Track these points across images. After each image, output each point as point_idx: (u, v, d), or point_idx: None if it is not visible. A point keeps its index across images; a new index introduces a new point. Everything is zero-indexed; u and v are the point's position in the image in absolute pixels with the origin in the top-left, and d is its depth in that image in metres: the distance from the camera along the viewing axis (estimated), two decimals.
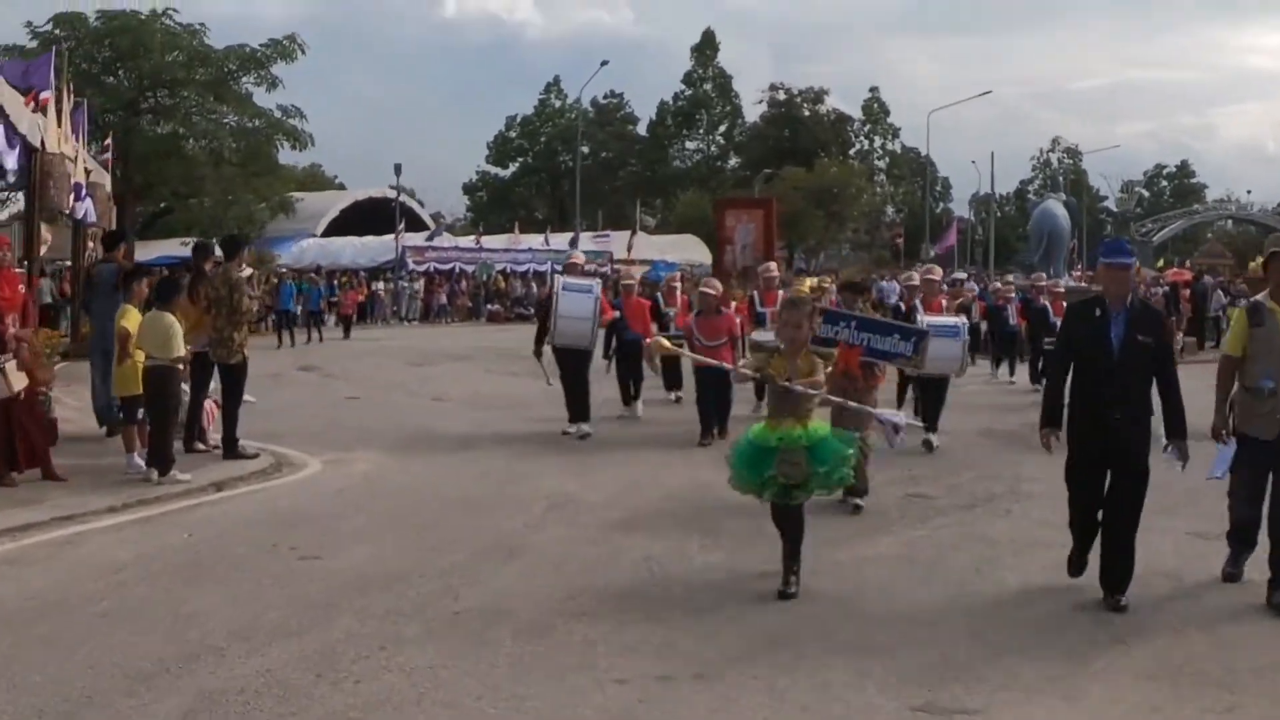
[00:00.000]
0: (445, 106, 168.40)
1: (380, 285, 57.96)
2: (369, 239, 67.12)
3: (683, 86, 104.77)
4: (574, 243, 61.68)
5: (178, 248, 53.32)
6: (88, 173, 29.00)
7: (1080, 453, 8.96)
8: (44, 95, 22.58)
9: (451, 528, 11.32)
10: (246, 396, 19.68)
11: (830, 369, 10.58)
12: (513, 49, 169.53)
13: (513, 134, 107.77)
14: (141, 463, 13.49)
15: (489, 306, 59.90)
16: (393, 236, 62.14)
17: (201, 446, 15.11)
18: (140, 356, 13.51)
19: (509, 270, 64.33)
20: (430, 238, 68.28)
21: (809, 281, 23.59)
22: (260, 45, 49.01)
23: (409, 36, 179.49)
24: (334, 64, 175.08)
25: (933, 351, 14.16)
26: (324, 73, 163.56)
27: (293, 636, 7.87)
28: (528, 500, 12.67)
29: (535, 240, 70.78)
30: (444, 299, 59.01)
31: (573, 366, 17.36)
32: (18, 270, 16.20)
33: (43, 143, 22.19)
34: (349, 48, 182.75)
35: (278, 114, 50.51)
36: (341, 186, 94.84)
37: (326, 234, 71.21)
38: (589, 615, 8.43)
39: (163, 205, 53.59)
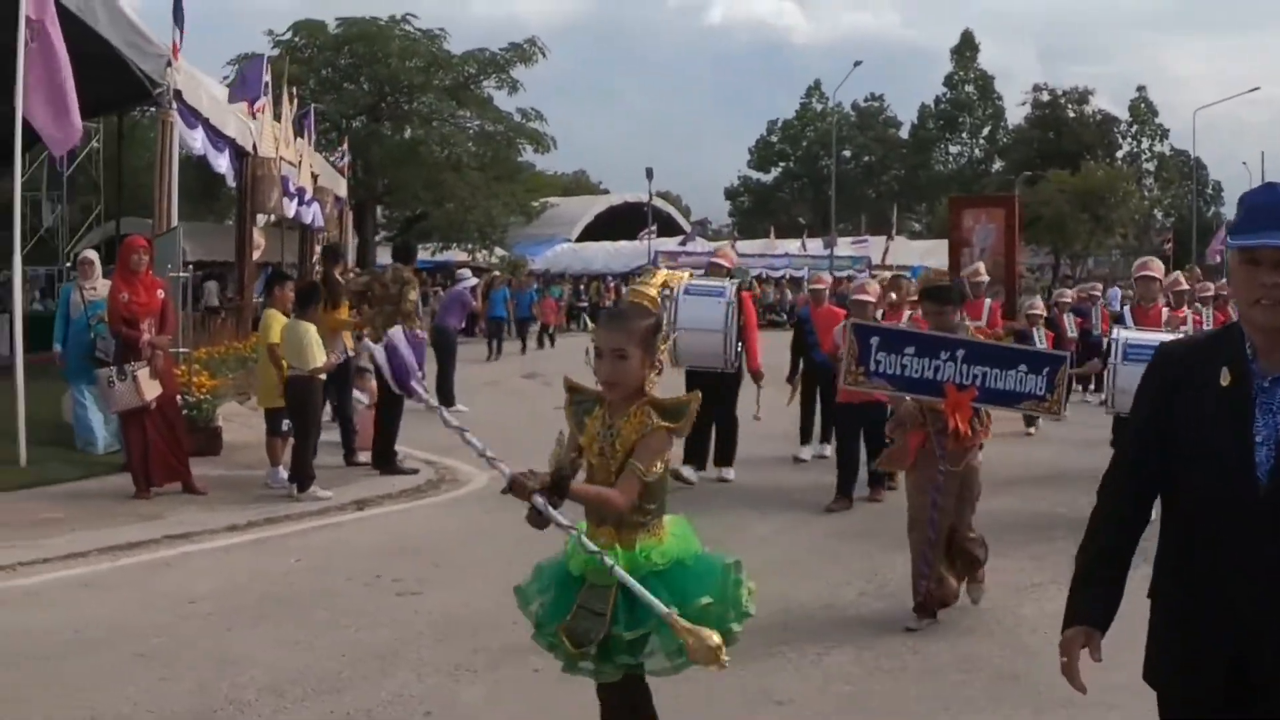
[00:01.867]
0: (711, 110, 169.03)
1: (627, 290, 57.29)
2: (622, 244, 66.85)
3: (944, 89, 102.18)
4: (829, 245, 60.46)
5: (420, 253, 53.97)
6: (315, 177, 29.13)
7: (1179, 688, 3.69)
8: (258, 103, 22.54)
9: None
10: (459, 405, 19.23)
11: (912, 427, 8.29)
12: (779, 52, 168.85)
13: (774, 138, 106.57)
14: (284, 476, 12.84)
15: None
16: (645, 241, 61.70)
17: (363, 459, 14.43)
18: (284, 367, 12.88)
19: (764, 276, 63.11)
20: (683, 242, 67.54)
21: (875, 281, 15.63)
22: (500, 49, 49.04)
23: (676, 42, 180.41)
24: (602, 69, 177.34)
25: (1121, 382, 10.66)
26: (593, 78, 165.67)
27: (333, 693, 6.90)
28: (749, 520, 11.72)
29: (792, 245, 69.45)
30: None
31: (711, 394, 12.99)
32: (177, 275, 15.85)
33: (254, 147, 22.18)
34: (618, 53, 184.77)
35: (518, 118, 50.44)
36: (605, 191, 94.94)
37: (582, 239, 71.17)
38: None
39: (419, 211, 53.90)
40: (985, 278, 18.51)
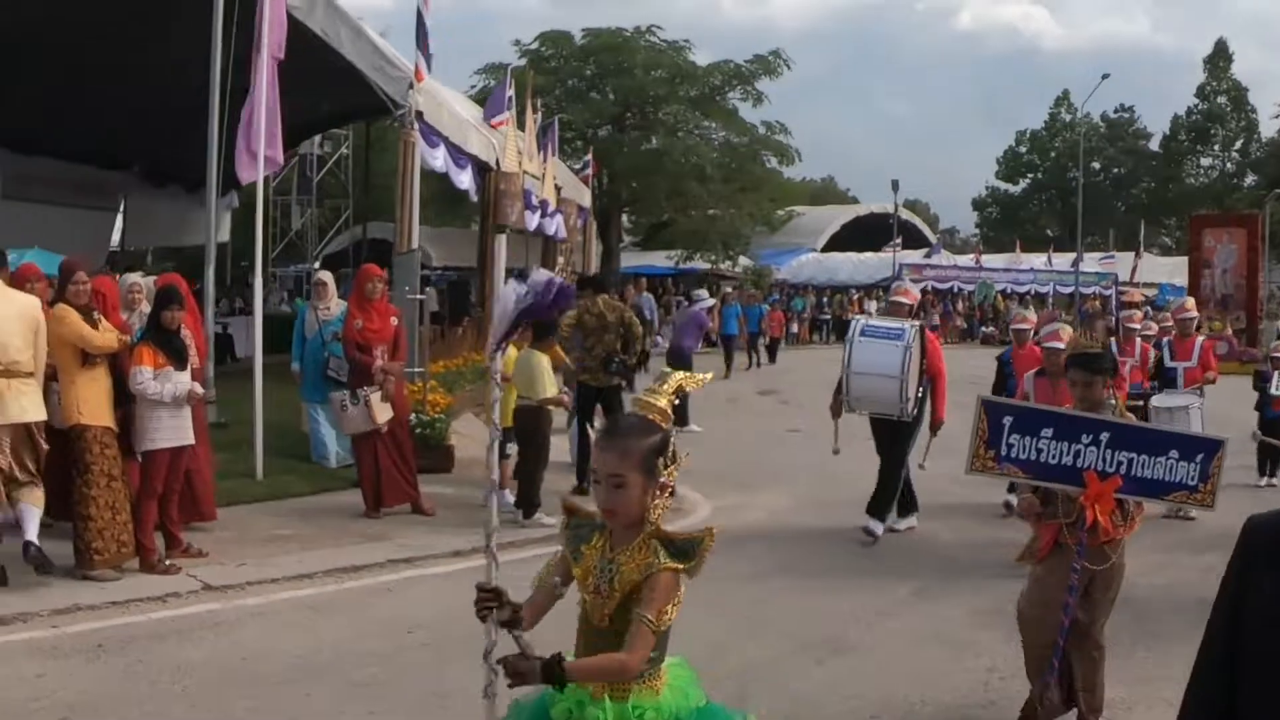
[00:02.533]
0: (960, 117, 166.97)
1: (872, 305, 56.72)
2: (867, 255, 66.14)
3: (1196, 100, 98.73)
4: (1076, 264, 58.92)
5: (663, 260, 54.18)
6: (558, 189, 29.46)
7: None
8: (498, 119, 22.97)
9: (778, 609, 9.96)
10: (692, 426, 19.29)
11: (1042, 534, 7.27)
12: (1029, 59, 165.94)
13: (1022, 148, 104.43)
14: (511, 500, 12.97)
15: (983, 329, 57.46)
16: (890, 253, 61.07)
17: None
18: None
19: (1008, 291, 61.82)
20: (928, 255, 66.63)
21: (1069, 327, 13.87)
22: (745, 61, 49.00)
23: (925, 46, 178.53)
24: (853, 73, 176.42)
25: None
26: (843, 82, 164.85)
27: None
28: (890, 581, 11.04)
29: (1038, 260, 67.82)
30: (936, 319, 57.15)
31: (885, 440, 12.77)
32: (414, 297, 16.18)
33: (497, 162, 22.54)
34: (868, 56, 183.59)
35: (762, 130, 50.38)
36: (854, 200, 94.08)
37: (826, 249, 70.66)
38: None
39: (665, 218, 54.22)
40: (1194, 313, 16.26)
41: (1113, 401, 7.45)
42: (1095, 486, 6.79)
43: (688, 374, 4.48)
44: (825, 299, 55.30)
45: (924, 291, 57.46)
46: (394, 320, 13.20)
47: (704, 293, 26.58)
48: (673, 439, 4.18)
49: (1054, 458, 6.86)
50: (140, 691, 7.56)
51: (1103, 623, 7.32)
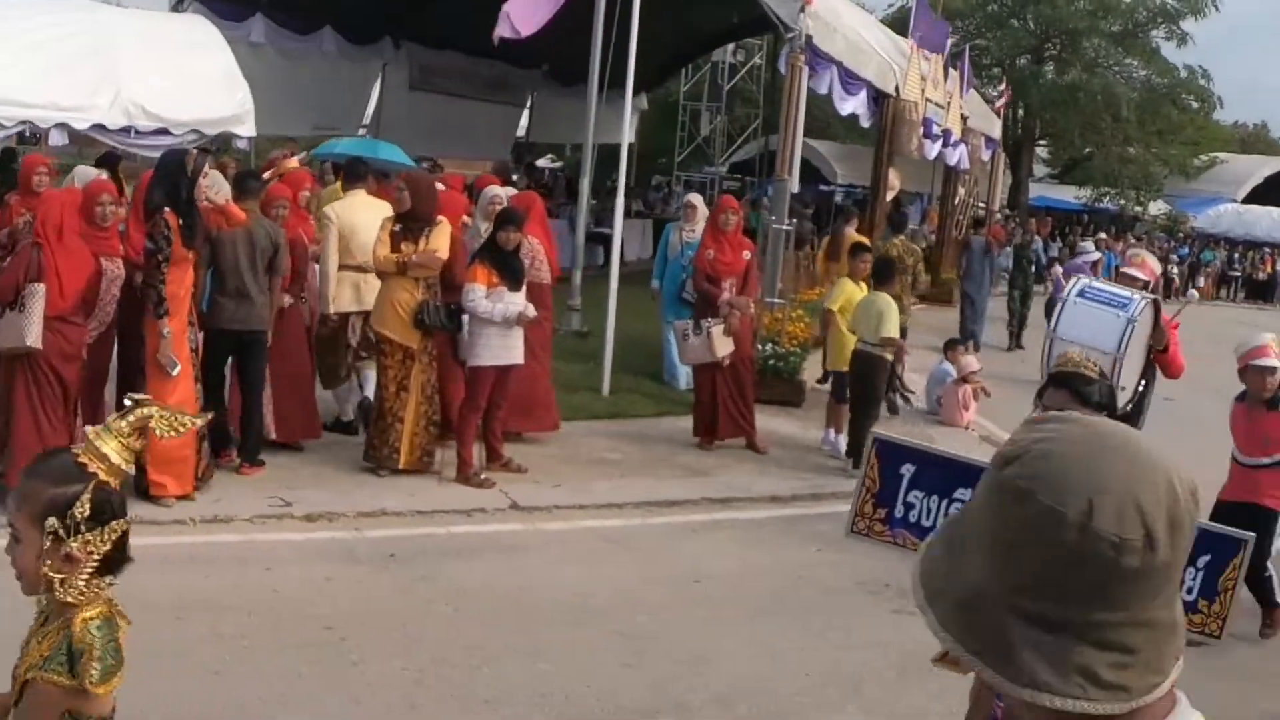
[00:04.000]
0: None
1: None
2: None
3: None
4: None
5: (1072, 198, 52.23)
6: (964, 119, 28.70)
7: None
8: (910, 43, 22.59)
9: None
10: None
11: None
12: None
13: None
14: (840, 445, 12.74)
15: None
16: None
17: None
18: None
19: None
20: None
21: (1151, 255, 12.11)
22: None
23: None
24: None
25: None
26: None
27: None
28: None
29: None
30: None
31: None
32: (780, 227, 16.04)
33: (896, 89, 22.09)
34: None
35: (1184, 73, 47.89)
36: None
37: (1247, 200, 66.59)
38: None
39: (1086, 151, 52.18)
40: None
41: None
42: None
43: (156, 413, 3.22)
44: (1237, 254, 52.12)
45: None
46: (746, 254, 13.05)
47: (1089, 244, 25.47)
48: (87, 503, 3.04)
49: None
50: (410, 610, 7.77)
51: None
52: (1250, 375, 8.96)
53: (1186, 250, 47.39)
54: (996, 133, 34.80)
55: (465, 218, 12.09)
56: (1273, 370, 8.79)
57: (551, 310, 12.41)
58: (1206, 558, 4.60)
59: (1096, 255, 24.80)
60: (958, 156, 28.54)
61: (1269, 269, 49.07)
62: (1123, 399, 9.10)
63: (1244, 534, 4.62)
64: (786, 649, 7.75)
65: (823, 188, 40.82)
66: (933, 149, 25.47)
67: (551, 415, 12.18)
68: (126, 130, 14.07)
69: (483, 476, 10.46)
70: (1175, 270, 42.18)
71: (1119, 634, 1.65)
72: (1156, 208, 53.11)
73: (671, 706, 6.79)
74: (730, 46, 38.54)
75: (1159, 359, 9.79)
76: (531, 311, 10.50)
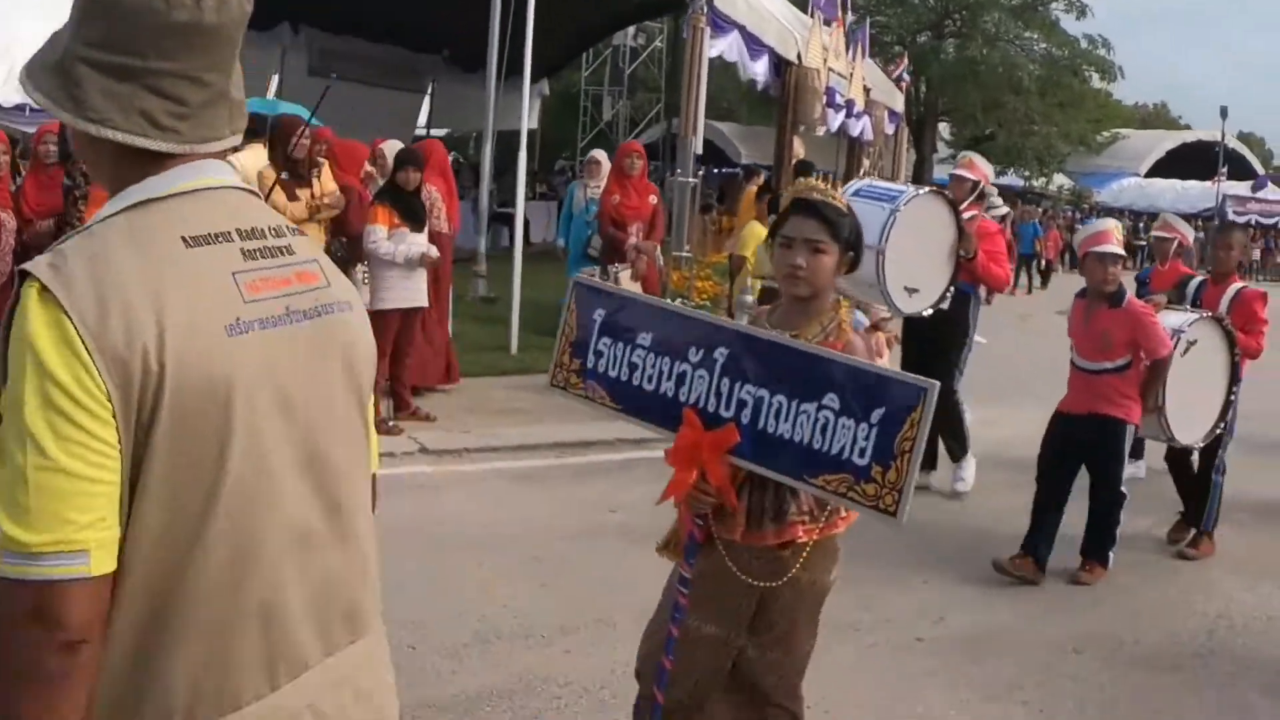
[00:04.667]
0: None
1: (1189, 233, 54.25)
2: (1191, 184, 63.13)
3: None
4: None
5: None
6: (866, 90, 28.77)
7: None
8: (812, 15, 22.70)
9: (1005, 534, 8.73)
10: (977, 338, 18.64)
11: None
12: None
13: None
14: None
15: None
16: (1214, 184, 58.27)
17: None
18: None
19: None
20: (1255, 188, 63.29)
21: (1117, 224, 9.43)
22: None
23: None
24: (1201, 6, 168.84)
25: None
26: (1188, 14, 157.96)
27: None
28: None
29: None
30: (1256, 254, 54.23)
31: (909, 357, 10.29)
32: (686, 180, 15.98)
33: (799, 56, 22.05)
34: None
35: (1085, 44, 48.50)
36: (1186, 127, 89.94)
37: (1150, 175, 67.77)
38: None
39: (988, 131, 52.77)
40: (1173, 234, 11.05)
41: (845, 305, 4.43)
42: (693, 435, 4.03)
43: None
44: (1142, 225, 53.11)
45: (1249, 225, 54.81)
46: (652, 198, 12.96)
47: (998, 199, 25.58)
48: None
49: (650, 381, 4.25)
50: None
51: (791, 681, 4.46)
52: (1090, 264, 8.24)
53: (1092, 219, 47.99)
54: (899, 106, 34.91)
55: (367, 166, 11.87)
56: (1115, 258, 8.11)
57: (451, 262, 12.24)
58: (880, 410, 3.67)
59: (1005, 209, 24.91)
60: (861, 127, 28.61)
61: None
62: (918, 303, 8.66)
63: (926, 381, 3.63)
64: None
65: (727, 170, 40.90)
66: (836, 119, 25.51)
67: (450, 367, 12.00)
68: (20, 108, 13.85)
69: (390, 423, 10.26)
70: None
71: (175, 86, 2.07)
72: (1061, 181, 53.86)
73: (592, 623, 6.65)
74: (631, 30, 38.53)
75: (968, 267, 9.29)
76: (434, 251, 10.33)
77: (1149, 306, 8.42)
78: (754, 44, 19.78)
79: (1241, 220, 55.13)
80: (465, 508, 8.70)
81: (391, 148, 11.73)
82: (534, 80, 16.85)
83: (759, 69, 20.59)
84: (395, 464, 9.53)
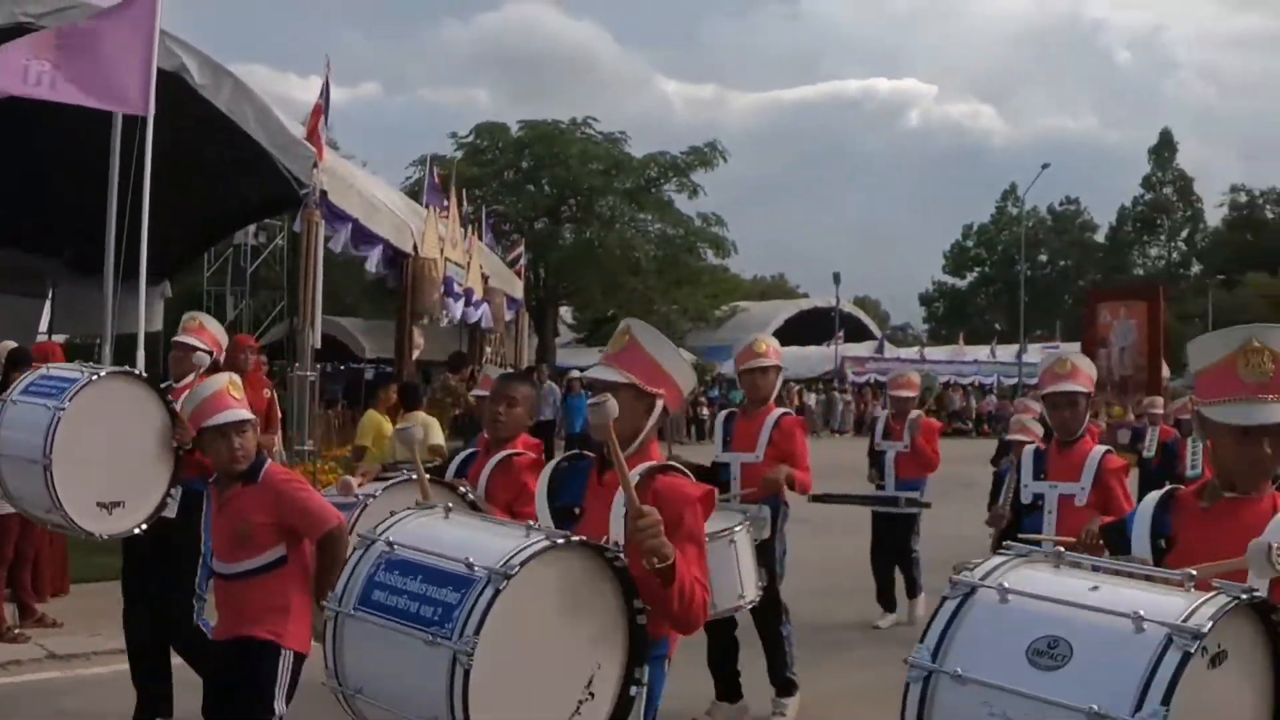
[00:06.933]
0: (911, 214, 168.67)
1: (812, 397, 57.03)
2: (810, 349, 66.12)
3: (1142, 190, 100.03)
4: (1019, 355, 59.51)
5: (599, 356, 54.37)
6: (485, 279, 29.39)
7: None
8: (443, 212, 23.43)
9: None
10: None
11: None
12: (977, 157, 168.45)
13: (969, 243, 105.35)
14: None
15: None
16: (832, 347, 61.37)
17: None
18: None
19: (951, 382, 62.20)
20: (878, 349, 67.04)
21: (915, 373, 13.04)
22: (681, 153, 49.48)
23: (876, 145, 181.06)
24: (805, 172, 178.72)
25: None
26: (794, 181, 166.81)
27: None
28: None
29: (981, 352, 68.63)
30: (878, 411, 57.08)
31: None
32: (305, 375, 16.21)
33: (415, 248, 22.50)
34: (821, 156, 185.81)
35: (699, 222, 50.77)
36: (805, 295, 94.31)
37: None
38: None
39: (609, 313, 54.26)
40: (909, 392, 12.32)
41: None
42: None
43: None
44: None
45: (867, 384, 58.06)
46: (266, 392, 13.12)
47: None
48: None
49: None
50: None
51: None
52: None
53: (716, 393, 49.68)
54: (518, 292, 35.68)
55: None
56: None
57: None
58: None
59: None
60: (479, 314, 29.14)
61: (797, 401, 52.15)
62: (126, 520, 6.69)
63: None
64: None
65: (354, 365, 41.08)
66: (456, 308, 25.95)
67: (62, 575, 11.81)
68: None
69: (16, 631, 10.11)
70: (706, 413, 44.32)
71: None
72: (686, 357, 55.56)
73: None
74: (252, 228, 38.44)
75: None
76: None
77: None
78: (367, 236, 20.18)
79: (861, 380, 58.41)
80: (97, 707, 8.64)
81: (3, 348, 11.65)
82: (154, 281, 16.82)
83: (373, 260, 20.98)
84: (22, 671, 9.44)
